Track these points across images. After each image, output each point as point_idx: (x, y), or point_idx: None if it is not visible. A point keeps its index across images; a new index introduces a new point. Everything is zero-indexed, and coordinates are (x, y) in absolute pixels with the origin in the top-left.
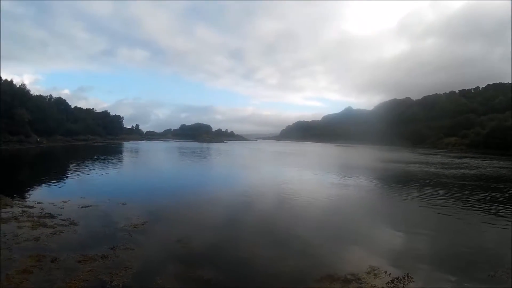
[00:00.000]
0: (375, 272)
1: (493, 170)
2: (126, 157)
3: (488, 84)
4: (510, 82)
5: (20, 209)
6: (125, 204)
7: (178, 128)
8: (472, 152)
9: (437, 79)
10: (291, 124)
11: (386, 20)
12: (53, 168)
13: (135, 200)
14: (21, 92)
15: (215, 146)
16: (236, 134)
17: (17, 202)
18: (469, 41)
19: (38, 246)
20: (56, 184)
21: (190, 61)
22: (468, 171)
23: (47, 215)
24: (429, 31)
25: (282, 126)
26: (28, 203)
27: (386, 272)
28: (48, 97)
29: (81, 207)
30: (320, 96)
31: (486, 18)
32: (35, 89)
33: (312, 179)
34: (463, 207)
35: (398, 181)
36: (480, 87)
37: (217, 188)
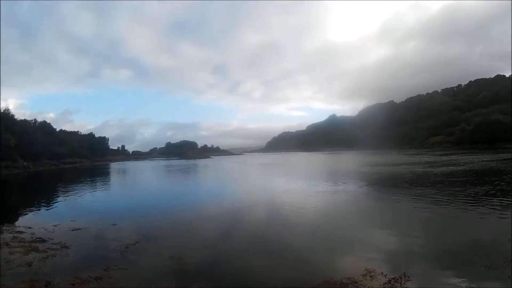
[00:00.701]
0: (371, 274)
1: (482, 164)
2: (114, 178)
3: (470, 81)
4: (492, 77)
5: (10, 235)
6: (116, 224)
7: (164, 146)
8: (459, 148)
9: (420, 80)
10: (276, 135)
11: (368, 26)
12: (41, 192)
13: (126, 220)
14: (6, 117)
15: (201, 162)
16: (221, 149)
17: (6, 228)
18: (449, 41)
19: (31, 271)
20: (45, 208)
21: (174, 79)
22: (457, 168)
23: (38, 239)
24: (410, 34)
25: (267, 138)
26: (18, 229)
27: (382, 273)
28: (33, 121)
29: (72, 230)
30: (304, 106)
31: (465, 17)
32: (21, 114)
33: (299, 188)
34: (455, 204)
35: (386, 184)
36: (463, 85)
37: (207, 203)
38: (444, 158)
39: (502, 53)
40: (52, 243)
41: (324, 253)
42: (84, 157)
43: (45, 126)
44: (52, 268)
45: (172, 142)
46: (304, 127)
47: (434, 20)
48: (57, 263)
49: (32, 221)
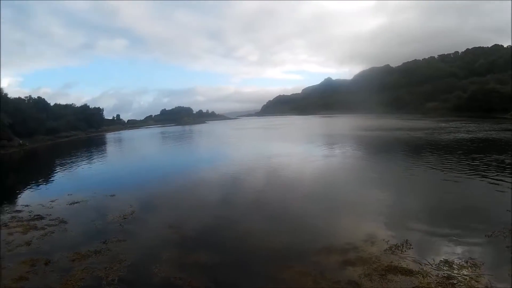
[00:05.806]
0: (373, 240)
1: (486, 133)
2: (110, 148)
3: (468, 49)
4: (489, 46)
5: (8, 215)
6: (114, 195)
7: (159, 113)
8: (455, 115)
9: (415, 48)
10: (271, 99)
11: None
12: (38, 168)
13: (123, 190)
14: None
15: (196, 127)
16: (217, 113)
17: (4, 208)
18: (441, 14)
19: (31, 250)
20: (43, 184)
21: (170, 46)
22: (462, 135)
23: (36, 217)
24: (404, 6)
25: (263, 101)
26: (16, 208)
27: (383, 239)
28: (28, 97)
29: (70, 204)
30: (300, 69)
31: None
32: (16, 91)
33: (298, 152)
34: (459, 172)
35: (388, 149)
36: (459, 52)
37: (205, 169)
38: (443, 124)
39: (495, 27)
40: (50, 220)
41: (326, 218)
42: (79, 130)
43: (39, 102)
44: (51, 245)
45: (167, 109)
46: (299, 91)
47: None
48: (56, 240)
49: (30, 198)
